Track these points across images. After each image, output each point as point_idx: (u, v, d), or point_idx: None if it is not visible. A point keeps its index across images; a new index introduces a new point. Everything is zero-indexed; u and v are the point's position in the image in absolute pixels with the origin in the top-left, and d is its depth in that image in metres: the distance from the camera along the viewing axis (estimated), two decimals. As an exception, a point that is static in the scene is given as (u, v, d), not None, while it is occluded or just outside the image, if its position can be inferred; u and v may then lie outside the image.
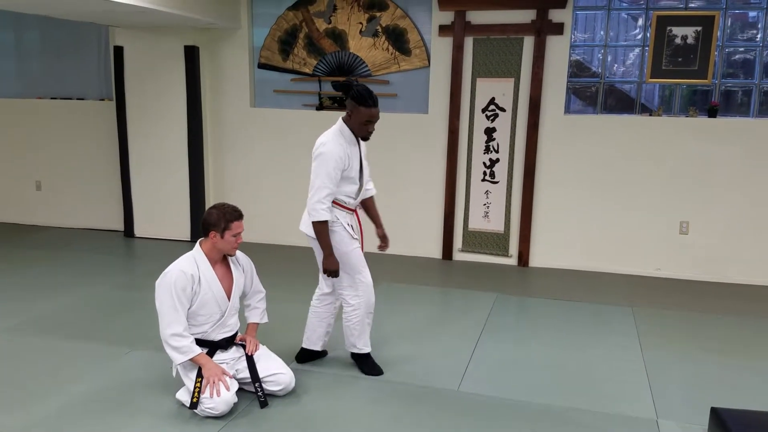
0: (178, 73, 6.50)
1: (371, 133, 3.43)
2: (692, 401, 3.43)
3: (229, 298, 3.28)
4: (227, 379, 3.16)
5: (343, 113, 3.45)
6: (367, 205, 3.74)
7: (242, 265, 3.42)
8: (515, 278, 5.80)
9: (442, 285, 5.59)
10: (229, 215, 3.19)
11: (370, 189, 3.67)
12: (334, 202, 3.42)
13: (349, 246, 3.48)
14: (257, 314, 3.53)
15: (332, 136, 3.38)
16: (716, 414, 2.83)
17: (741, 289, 5.56)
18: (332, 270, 3.42)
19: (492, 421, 3.21)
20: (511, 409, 3.31)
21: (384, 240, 3.79)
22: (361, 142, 3.52)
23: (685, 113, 5.77)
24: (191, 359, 3.13)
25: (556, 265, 6.09)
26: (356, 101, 3.32)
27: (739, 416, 2.78)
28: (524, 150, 5.94)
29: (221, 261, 3.30)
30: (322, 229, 3.37)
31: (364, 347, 3.67)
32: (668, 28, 5.47)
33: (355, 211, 3.58)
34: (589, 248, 5.99)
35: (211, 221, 3.18)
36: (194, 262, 3.20)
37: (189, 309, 3.16)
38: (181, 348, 3.11)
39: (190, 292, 3.14)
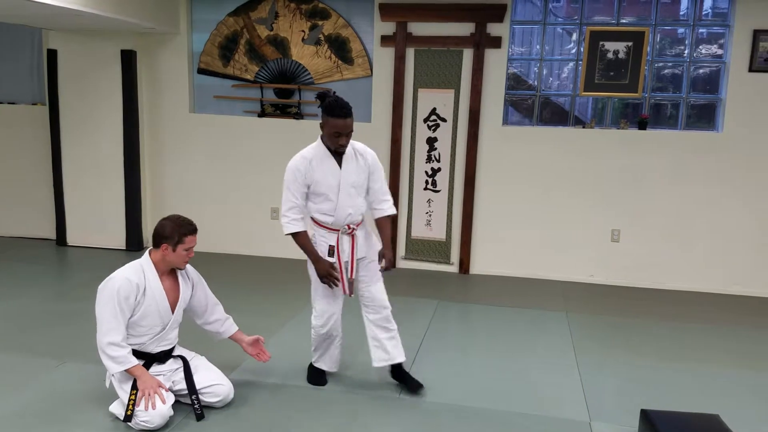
0: (114, 77, 6.34)
1: (343, 146, 3.25)
2: (623, 403, 3.55)
3: (173, 312, 3.21)
4: (163, 391, 3.09)
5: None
6: (380, 224, 3.50)
7: (191, 279, 3.35)
8: (456, 285, 5.89)
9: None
10: (184, 229, 3.13)
11: (380, 209, 3.47)
12: (313, 220, 3.41)
13: None
14: (231, 323, 3.51)
15: (306, 148, 3.33)
16: (646, 415, 2.95)
17: (670, 294, 5.78)
18: (322, 275, 3.33)
19: (432, 426, 3.24)
20: (451, 414, 3.36)
21: (381, 260, 3.45)
22: (359, 158, 3.35)
23: (616, 125, 5.99)
24: (126, 370, 3.06)
25: (495, 272, 6.21)
26: (326, 111, 3.21)
27: (667, 417, 2.90)
28: (465, 160, 6.04)
29: (169, 273, 3.23)
30: (297, 239, 3.33)
31: (316, 362, 3.65)
32: (601, 43, 5.67)
33: (350, 233, 3.40)
34: (526, 255, 6.14)
35: (164, 233, 3.11)
36: (141, 271, 3.13)
37: (130, 319, 3.09)
38: (117, 358, 3.03)
39: (133, 302, 3.06)
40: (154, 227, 3.19)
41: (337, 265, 3.39)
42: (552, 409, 3.46)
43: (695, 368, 4.11)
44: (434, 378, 3.79)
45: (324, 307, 3.48)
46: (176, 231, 3.10)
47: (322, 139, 3.32)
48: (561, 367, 4.04)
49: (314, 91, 6.20)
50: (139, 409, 3.01)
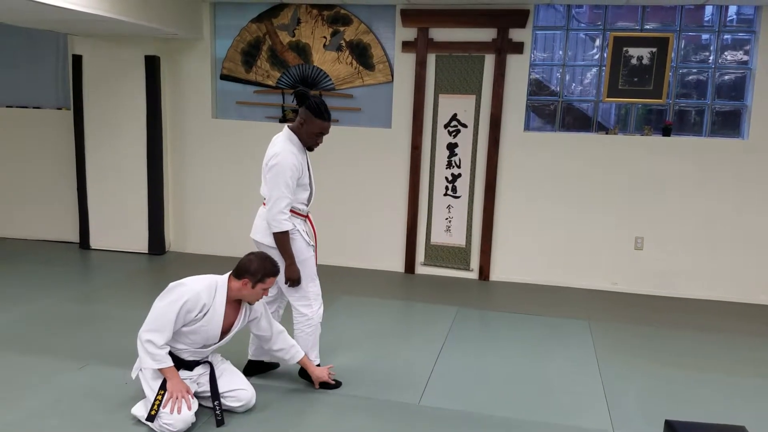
0: (138, 83, 6.41)
1: (319, 144, 3.48)
2: (647, 413, 3.50)
3: (220, 339, 3.23)
4: (189, 398, 3.10)
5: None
6: None
7: (256, 311, 3.35)
8: (476, 292, 5.86)
9: (405, 298, 5.61)
10: (269, 270, 3.15)
11: None
12: (290, 210, 3.43)
13: (305, 254, 3.49)
14: (296, 350, 3.51)
15: (283, 145, 3.38)
16: (670, 426, 2.90)
17: (693, 303, 5.71)
18: (295, 278, 3.44)
19: (452, 435, 3.22)
20: (471, 422, 3.34)
21: None
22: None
23: (640, 132, 5.92)
24: (159, 369, 3.08)
25: (515, 278, 6.16)
26: (312, 112, 3.36)
27: (692, 428, 2.85)
28: (485, 165, 6.01)
29: (234, 300, 3.25)
30: (284, 238, 3.38)
31: (316, 359, 3.67)
32: (624, 48, 5.62)
33: (308, 217, 3.59)
34: (548, 262, 6.09)
35: (249, 269, 3.12)
36: (214, 292, 3.13)
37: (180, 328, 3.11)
38: (155, 355, 3.05)
39: (191, 317, 3.08)
40: (240, 259, 3.18)
41: (313, 251, 3.56)
42: (574, 419, 3.43)
43: (720, 378, 4.05)
44: (454, 385, 3.78)
45: (316, 289, 3.59)
46: (261, 270, 3.12)
47: (294, 132, 3.43)
48: (583, 376, 4.00)
49: (337, 97, 6.26)
50: (164, 411, 3.02)
